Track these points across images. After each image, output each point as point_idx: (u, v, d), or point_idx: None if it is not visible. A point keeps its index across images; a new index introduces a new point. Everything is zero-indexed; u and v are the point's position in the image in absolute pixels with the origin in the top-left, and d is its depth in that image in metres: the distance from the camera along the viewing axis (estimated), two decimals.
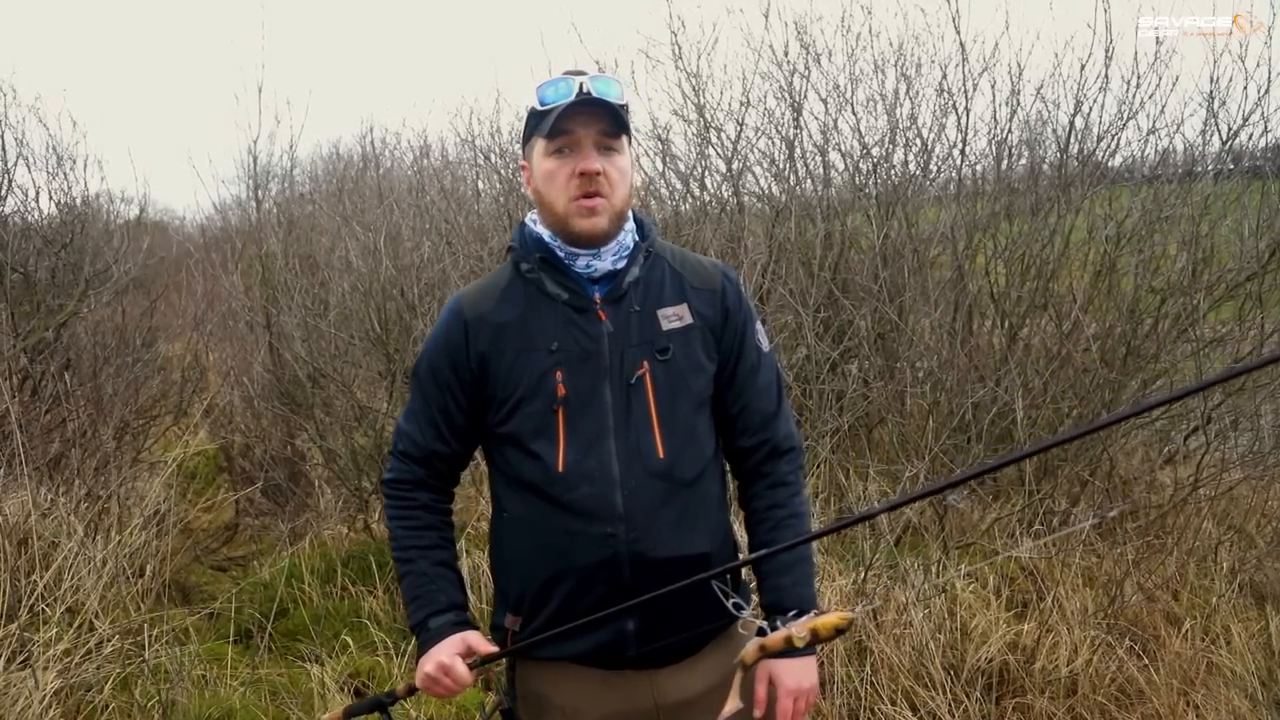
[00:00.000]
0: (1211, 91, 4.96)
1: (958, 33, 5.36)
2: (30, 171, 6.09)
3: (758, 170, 6.29)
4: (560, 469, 1.69)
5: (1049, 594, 3.73)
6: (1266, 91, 4.83)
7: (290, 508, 6.15)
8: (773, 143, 6.10)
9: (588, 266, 1.75)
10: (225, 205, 11.01)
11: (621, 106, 1.72)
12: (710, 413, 1.81)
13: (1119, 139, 5.37)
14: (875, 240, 5.42)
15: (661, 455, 1.71)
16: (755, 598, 1.86)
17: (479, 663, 1.73)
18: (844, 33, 6.27)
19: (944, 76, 5.58)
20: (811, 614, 1.55)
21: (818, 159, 6.06)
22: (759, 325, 1.88)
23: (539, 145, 1.73)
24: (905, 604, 3.55)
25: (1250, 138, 5.08)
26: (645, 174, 6.24)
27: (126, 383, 5.88)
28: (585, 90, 1.68)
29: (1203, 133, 5.12)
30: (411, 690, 1.81)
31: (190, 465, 6.67)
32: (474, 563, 4.22)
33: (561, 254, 1.76)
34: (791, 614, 1.65)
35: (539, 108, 1.72)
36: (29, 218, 6.12)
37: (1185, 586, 4.07)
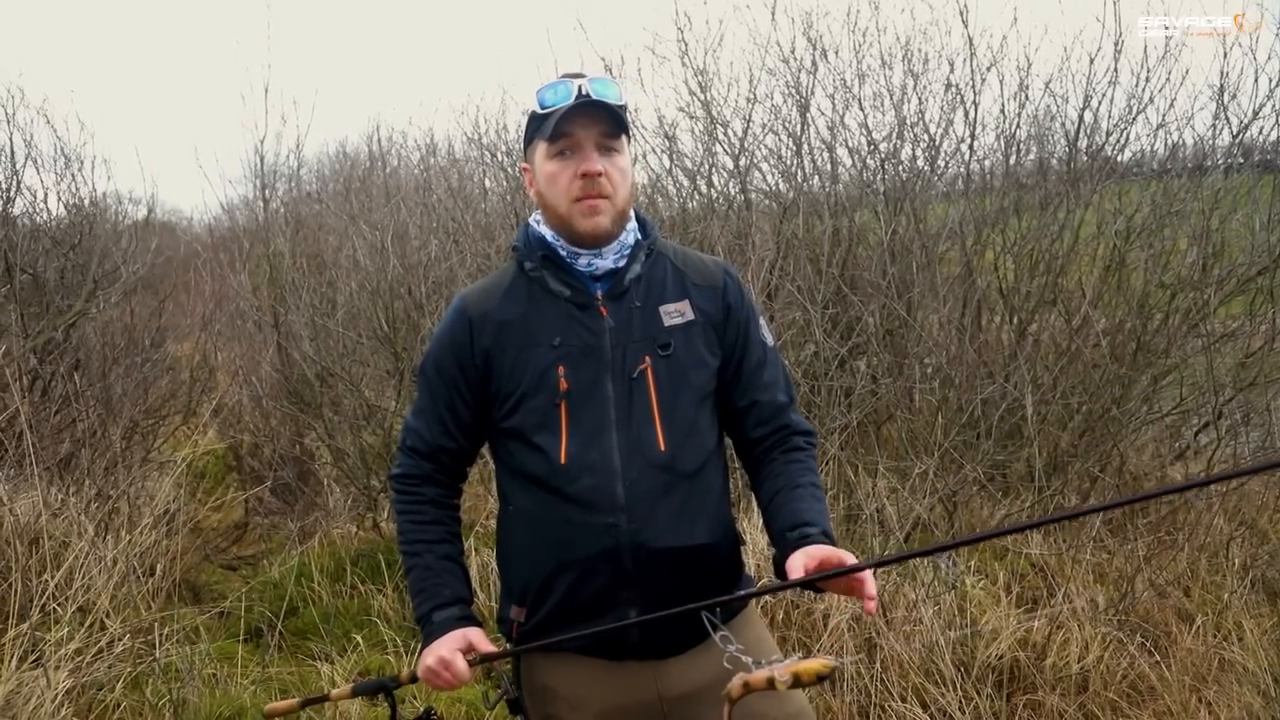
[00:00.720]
0: (1221, 85, 4.94)
1: (965, 27, 5.35)
2: (39, 173, 6.14)
3: (765, 167, 6.28)
4: (563, 461, 1.71)
5: (1059, 590, 3.72)
6: (1278, 84, 4.81)
7: (299, 506, 6.17)
8: (780, 139, 6.09)
9: (590, 265, 1.78)
10: (232, 205, 11.02)
11: (620, 107, 1.74)
12: (713, 407, 1.83)
13: (1128, 133, 5.36)
14: (883, 236, 5.40)
15: (663, 448, 1.73)
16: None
17: (479, 660, 1.75)
18: (851, 28, 6.24)
19: (952, 71, 5.57)
20: (795, 657, 1.54)
21: (825, 155, 6.05)
22: (762, 320, 1.90)
23: (540, 148, 1.76)
24: (915, 601, 3.54)
25: (1261, 131, 5.05)
26: (652, 171, 6.25)
27: (135, 383, 5.89)
28: (584, 92, 1.71)
29: (1213, 126, 5.11)
30: (414, 678, 1.83)
31: (199, 465, 6.69)
32: (482, 560, 4.23)
33: (564, 253, 1.79)
34: (816, 530, 1.63)
35: (539, 111, 1.75)
36: (38, 219, 6.16)
37: (1197, 583, 4.06)
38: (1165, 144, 5.38)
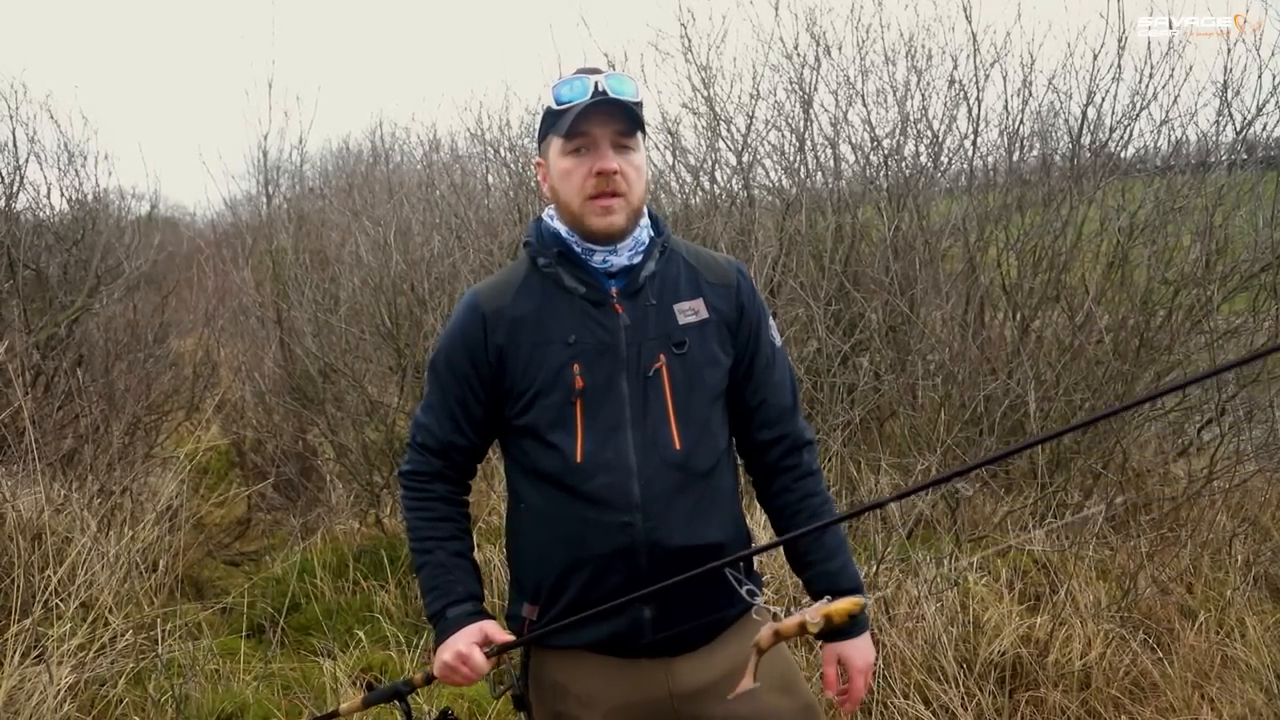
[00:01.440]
0: (1225, 81, 4.92)
1: (969, 23, 5.35)
2: (42, 168, 6.14)
3: (768, 163, 6.28)
4: (578, 459, 1.71)
5: (1062, 587, 3.72)
6: None
7: (302, 503, 6.17)
8: (783, 135, 6.09)
9: (604, 261, 1.77)
10: (235, 201, 11.01)
11: (636, 104, 1.73)
12: (724, 406, 1.83)
13: (1132, 129, 5.35)
14: (886, 233, 5.40)
15: (678, 447, 1.72)
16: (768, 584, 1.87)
17: (496, 651, 1.74)
18: (854, 24, 6.23)
19: (955, 67, 5.56)
20: (825, 600, 1.56)
21: (828, 151, 6.05)
22: (771, 320, 1.90)
23: (555, 144, 1.74)
24: (917, 597, 3.54)
25: (1265, 127, 5.04)
26: (655, 167, 6.24)
27: (138, 378, 5.90)
28: (601, 90, 1.68)
29: (1216, 123, 5.09)
30: (429, 679, 1.82)
31: (202, 461, 6.69)
32: (485, 557, 4.23)
33: (578, 249, 1.77)
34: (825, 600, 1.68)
35: (555, 106, 1.72)
36: (41, 214, 6.17)
37: (1199, 579, 4.05)
38: (1169, 140, 5.38)
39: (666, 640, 1.74)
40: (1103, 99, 5.26)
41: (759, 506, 1.96)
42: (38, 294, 5.71)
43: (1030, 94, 5.45)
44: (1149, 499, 4.65)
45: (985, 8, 9.05)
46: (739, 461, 1.93)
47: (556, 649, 1.79)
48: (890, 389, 5.13)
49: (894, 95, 5.79)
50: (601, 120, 1.70)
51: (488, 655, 1.73)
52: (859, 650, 1.81)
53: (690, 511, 1.73)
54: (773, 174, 6.32)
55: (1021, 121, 5.56)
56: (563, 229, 1.79)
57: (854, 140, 5.98)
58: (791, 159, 6.03)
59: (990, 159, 5.93)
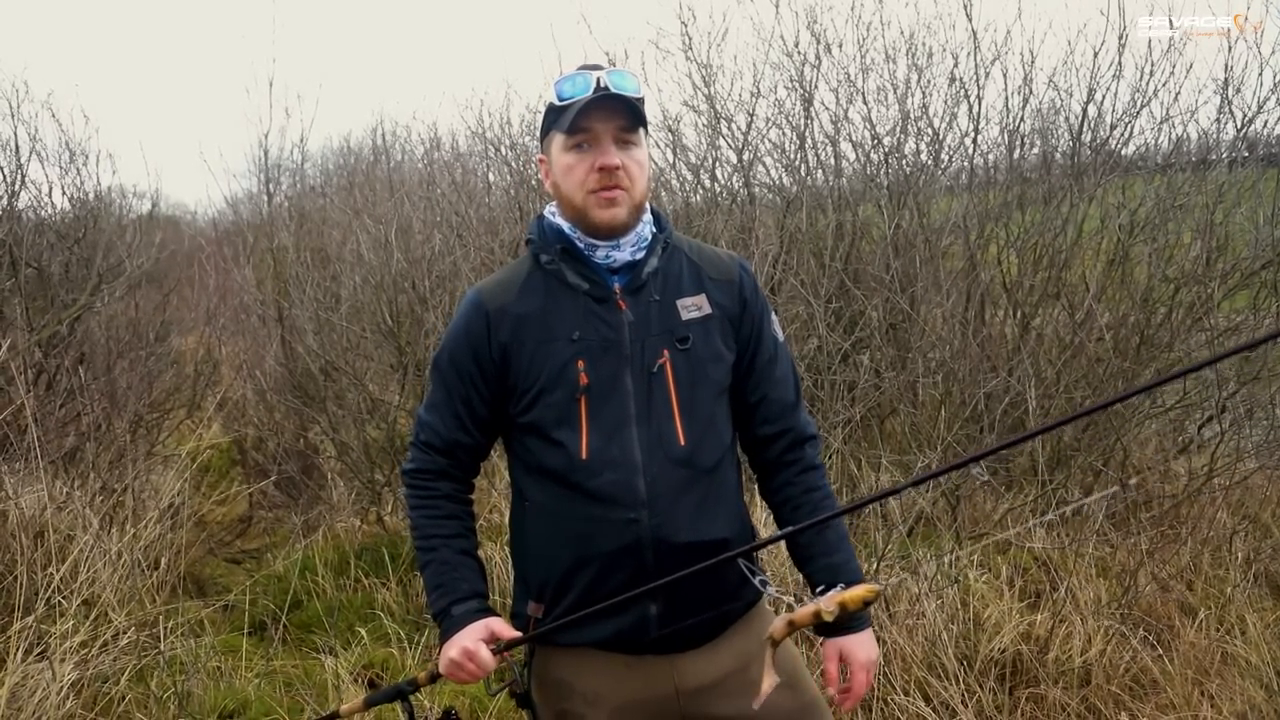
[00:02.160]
0: (1226, 78, 4.92)
1: (970, 21, 5.34)
2: (43, 167, 6.16)
3: (769, 161, 6.28)
4: (584, 456, 1.71)
5: (1062, 584, 3.72)
6: None
7: (303, 500, 6.18)
8: (783, 133, 6.09)
9: (607, 257, 1.77)
10: (237, 199, 11.03)
11: (638, 100, 1.73)
12: (728, 402, 1.83)
13: (1132, 127, 5.35)
14: (887, 230, 5.40)
15: (683, 443, 1.73)
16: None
17: (502, 647, 1.74)
18: (855, 22, 6.23)
19: (956, 65, 5.56)
20: (838, 588, 1.56)
21: (829, 149, 6.05)
22: (773, 316, 1.90)
23: (558, 140, 1.74)
24: (918, 594, 3.54)
25: (1265, 125, 5.05)
26: (656, 165, 6.24)
27: (140, 377, 5.91)
28: (603, 85, 1.69)
29: (1217, 120, 5.10)
30: (434, 678, 1.82)
31: (204, 459, 6.70)
32: (486, 554, 4.22)
33: (581, 245, 1.77)
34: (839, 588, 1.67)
35: (557, 102, 1.72)
36: (42, 213, 6.17)
37: (1200, 577, 4.06)
38: (1169, 138, 5.38)
39: (672, 636, 1.74)
40: (1103, 96, 5.28)
41: (760, 501, 1.97)
42: (40, 292, 5.72)
43: (1031, 91, 5.46)
44: (1149, 496, 4.66)
45: (986, 5, 9.04)
46: (742, 457, 1.94)
47: (562, 646, 1.79)
48: (891, 386, 5.14)
49: (894, 93, 5.79)
50: (604, 116, 1.70)
51: (494, 652, 1.73)
52: (861, 646, 1.81)
53: (696, 507, 1.73)
54: (773, 172, 6.33)
55: (1022, 119, 5.57)
56: (565, 224, 1.79)
57: (854, 138, 5.99)
58: (792, 157, 6.03)
59: (991, 156, 5.93)
